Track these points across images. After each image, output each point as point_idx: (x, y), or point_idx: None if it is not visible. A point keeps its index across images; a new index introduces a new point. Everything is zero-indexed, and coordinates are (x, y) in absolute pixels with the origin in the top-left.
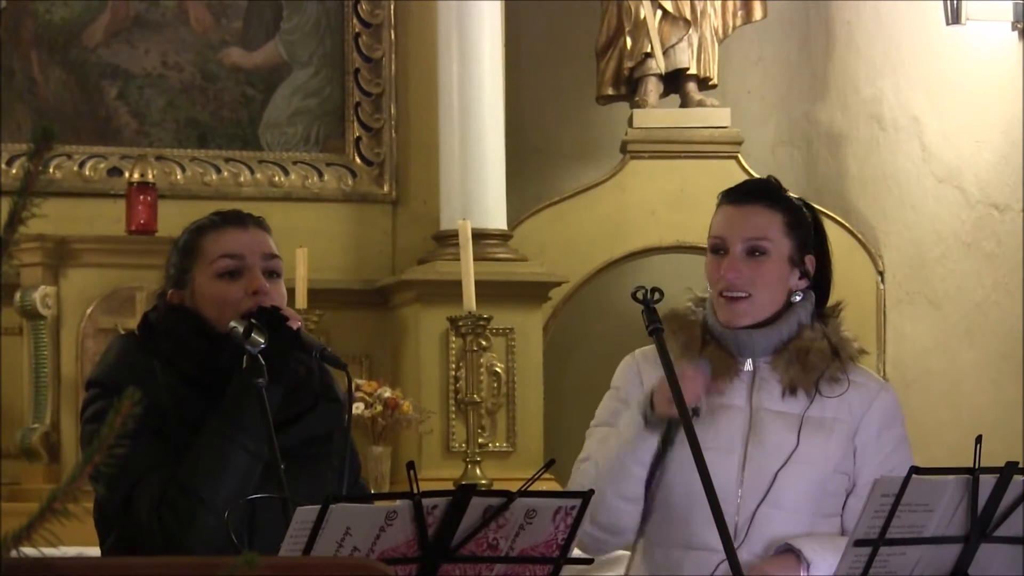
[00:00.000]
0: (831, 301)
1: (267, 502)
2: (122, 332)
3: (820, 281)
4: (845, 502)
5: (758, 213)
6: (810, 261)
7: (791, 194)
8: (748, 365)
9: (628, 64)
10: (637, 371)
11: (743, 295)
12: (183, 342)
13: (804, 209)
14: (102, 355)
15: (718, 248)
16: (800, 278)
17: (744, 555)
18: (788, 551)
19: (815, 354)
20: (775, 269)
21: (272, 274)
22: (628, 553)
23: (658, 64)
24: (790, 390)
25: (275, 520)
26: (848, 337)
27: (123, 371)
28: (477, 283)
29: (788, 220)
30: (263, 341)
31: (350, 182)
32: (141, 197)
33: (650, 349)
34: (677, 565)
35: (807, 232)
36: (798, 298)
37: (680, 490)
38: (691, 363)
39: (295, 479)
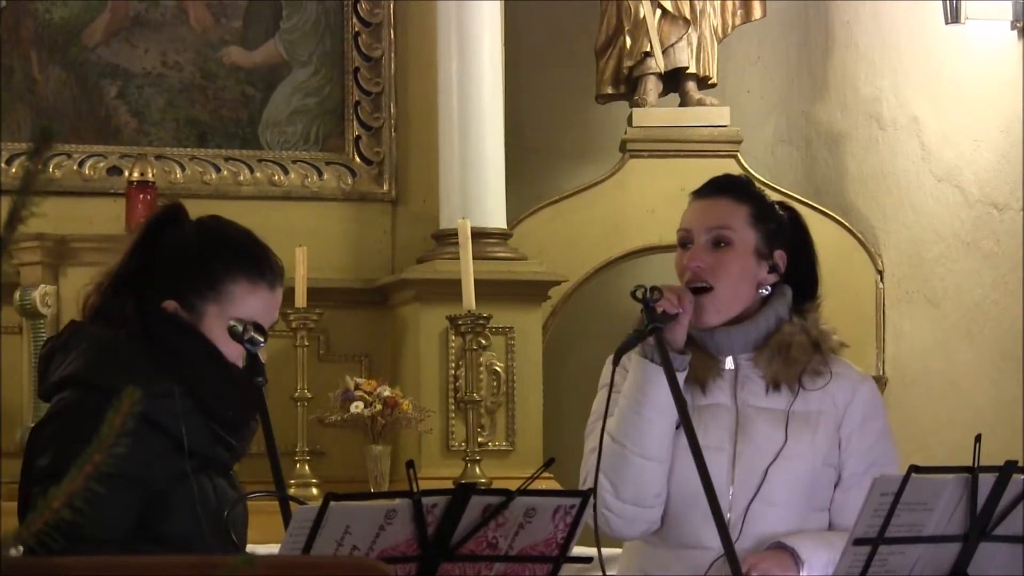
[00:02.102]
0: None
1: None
2: (76, 321)
3: (802, 277)
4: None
5: (722, 205)
6: (780, 256)
7: (764, 192)
8: (729, 363)
9: (627, 63)
10: (621, 365)
11: (706, 285)
12: (204, 371)
13: (776, 206)
14: (95, 351)
15: (685, 241)
16: (769, 272)
17: (737, 552)
18: (781, 548)
19: (796, 348)
20: (739, 260)
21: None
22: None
23: (657, 63)
24: (773, 385)
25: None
26: (827, 330)
27: (131, 382)
28: (476, 282)
29: (754, 212)
30: (263, 340)
31: (349, 181)
32: (141, 196)
33: (632, 352)
34: (670, 564)
35: (776, 226)
36: (765, 292)
37: (673, 489)
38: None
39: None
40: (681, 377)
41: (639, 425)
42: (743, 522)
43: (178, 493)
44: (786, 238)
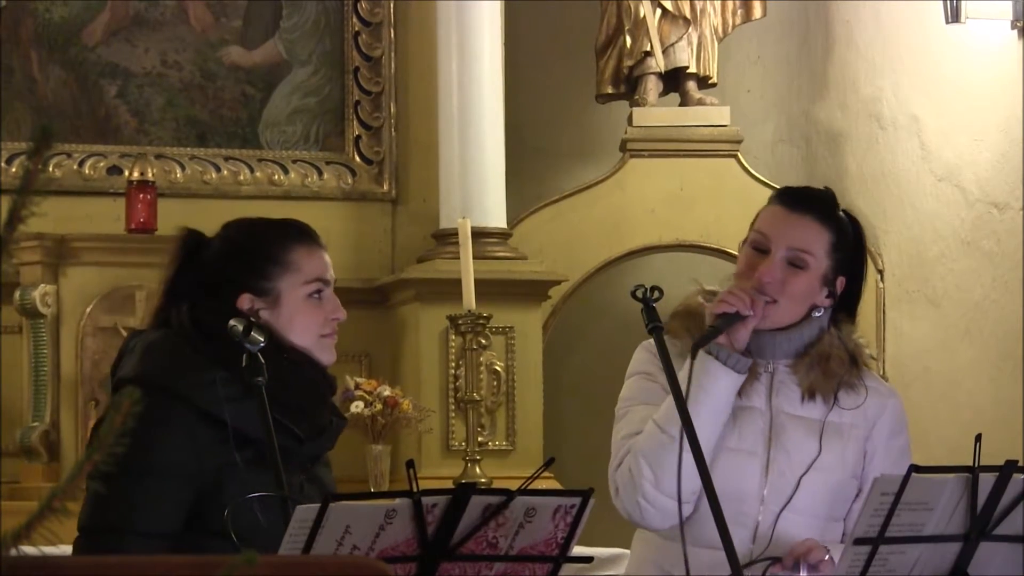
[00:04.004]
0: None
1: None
2: (137, 329)
3: (848, 292)
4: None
5: (809, 225)
6: (841, 282)
7: (843, 211)
8: (768, 367)
9: (628, 63)
10: (657, 356)
11: (769, 300)
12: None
13: (850, 228)
14: (141, 350)
15: (759, 245)
16: (827, 296)
17: (803, 569)
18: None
19: (835, 360)
20: (807, 284)
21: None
22: (628, 551)
23: (658, 63)
24: (809, 395)
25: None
26: (862, 344)
27: (180, 373)
28: (477, 282)
29: (834, 241)
30: (263, 340)
31: (350, 180)
32: (141, 196)
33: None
34: (692, 562)
35: (848, 254)
36: (818, 314)
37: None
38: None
39: (312, 484)
40: (740, 380)
41: (695, 417)
42: (774, 530)
43: (232, 485)
44: (849, 264)
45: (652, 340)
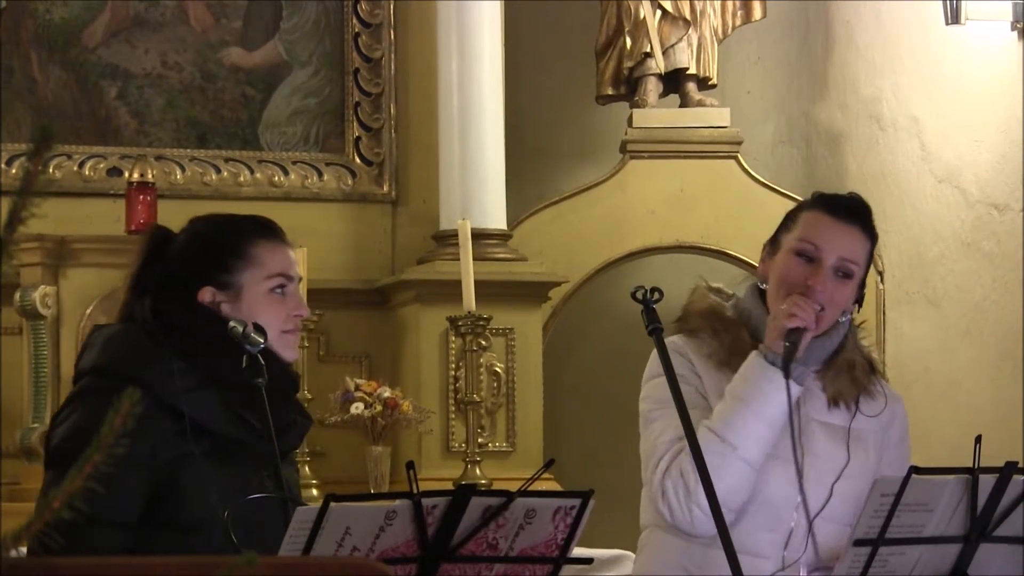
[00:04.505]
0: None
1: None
2: (105, 323)
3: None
4: None
5: (856, 235)
6: (864, 287)
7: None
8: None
9: (628, 64)
10: (684, 356)
11: (820, 309)
12: (224, 351)
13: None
14: (101, 343)
15: (807, 254)
16: (855, 301)
17: (802, 569)
18: None
19: (859, 368)
20: (851, 293)
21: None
22: (628, 553)
23: (658, 64)
24: (833, 401)
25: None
26: (872, 350)
27: (137, 363)
28: (477, 283)
29: (870, 248)
30: (263, 341)
31: (350, 182)
32: (141, 197)
33: (679, 339)
34: (721, 566)
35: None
36: (845, 319)
37: None
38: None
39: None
40: (799, 390)
41: (754, 428)
42: (809, 538)
43: (189, 477)
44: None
45: (676, 339)
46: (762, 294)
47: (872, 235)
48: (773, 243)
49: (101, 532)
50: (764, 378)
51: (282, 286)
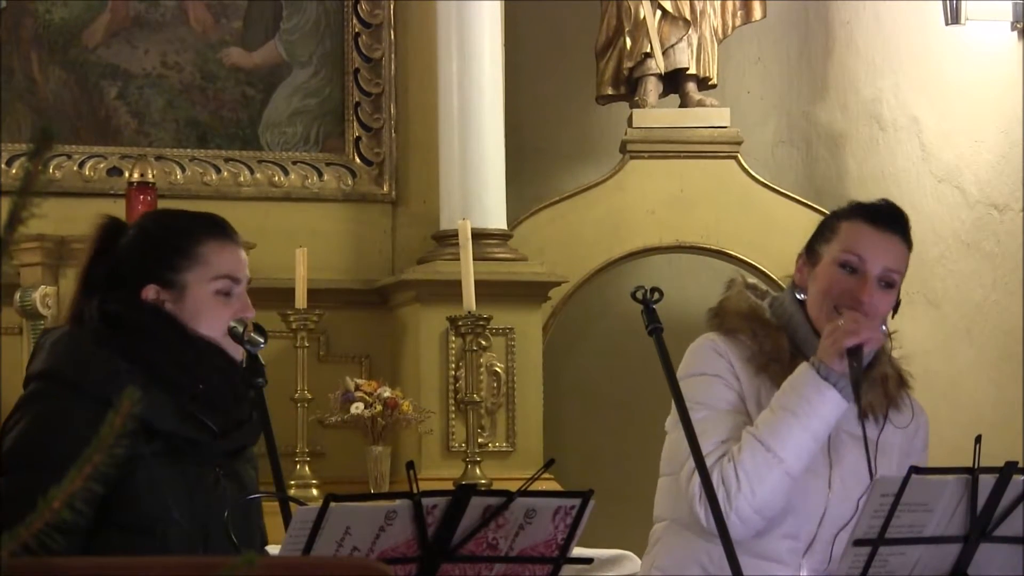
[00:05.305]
0: None
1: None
2: (47, 328)
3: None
4: None
5: (898, 245)
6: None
7: None
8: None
9: (627, 64)
10: (725, 357)
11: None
12: (171, 349)
13: None
14: (48, 347)
15: (851, 266)
16: (893, 309)
17: (803, 569)
18: None
19: (892, 381)
20: (892, 300)
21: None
22: (629, 553)
23: (658, 64)
24: (864, 414)
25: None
26: (900, 362)
27: (83, 366)
28: (477, 283)
29: (908, 255)
30: (263, 341)
31: (350, 182)
32: (141, 197)
33: (718, 337)
34: (750, 571)
35: None
36: (884, 328)
37: None
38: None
39: (229, 479)
40: (846, 408)
41: (802, 441)
42: (831, 549)
43: (141, 478)
44: None
45: (715, 336)
46: (800, 303)
47: (910, 242)
48: (810, 253)
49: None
50: (816, 392)
51: (228, 288)
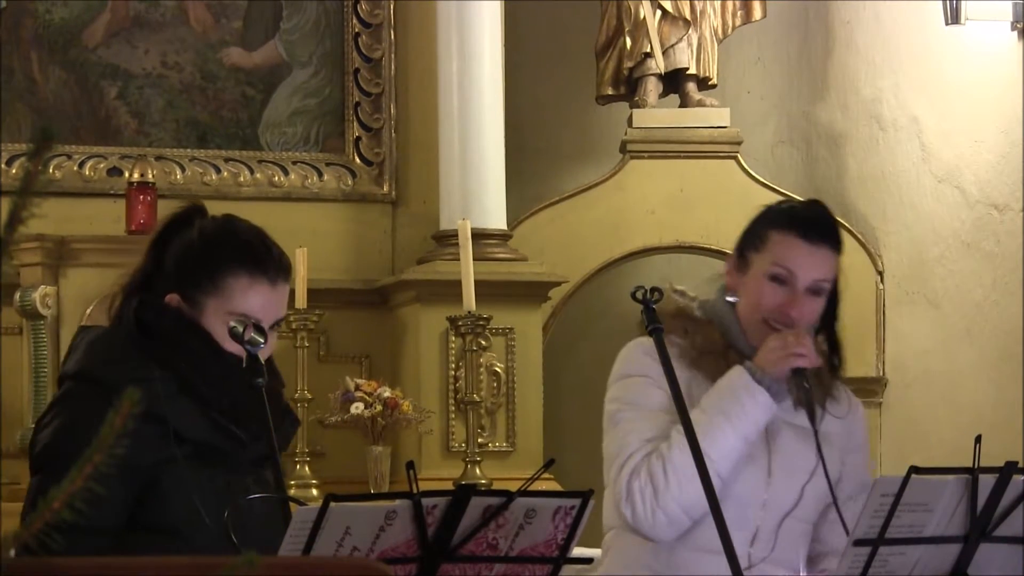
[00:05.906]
0: None
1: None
2: (88, 324)
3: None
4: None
5: (827, 256)
6: (837, 292)
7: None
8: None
9: (628, 64)
10: (654, 357)
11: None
12: (199, 364)
13: None
14: (84, 346)
15: (781, 279)
16: (832, 310)
17: (769, 567)
18: None
19: (824, 372)
20: (820, 306)
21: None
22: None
23: (658, 64)
24: (798, 402)
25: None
26: (827, 352)
27: (118, 370)
28: (477, 283)
29: (839, 260)
30: (263, 341)
31: (350, 182)
32: (141, 197)
33: (648, 340)
34: (690, 566)
35: None
36: (815, 326)
37: None
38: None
39: (259, 486)
40: (776, 408)
41: (732, 443)
42: (776, 536)
43: (170, 481)
44: None
45: (645, 339)
46: (731, 304)
47: (840, 247)
48: (740, 257)
49: (86, 539)
50: (749, 396)
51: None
